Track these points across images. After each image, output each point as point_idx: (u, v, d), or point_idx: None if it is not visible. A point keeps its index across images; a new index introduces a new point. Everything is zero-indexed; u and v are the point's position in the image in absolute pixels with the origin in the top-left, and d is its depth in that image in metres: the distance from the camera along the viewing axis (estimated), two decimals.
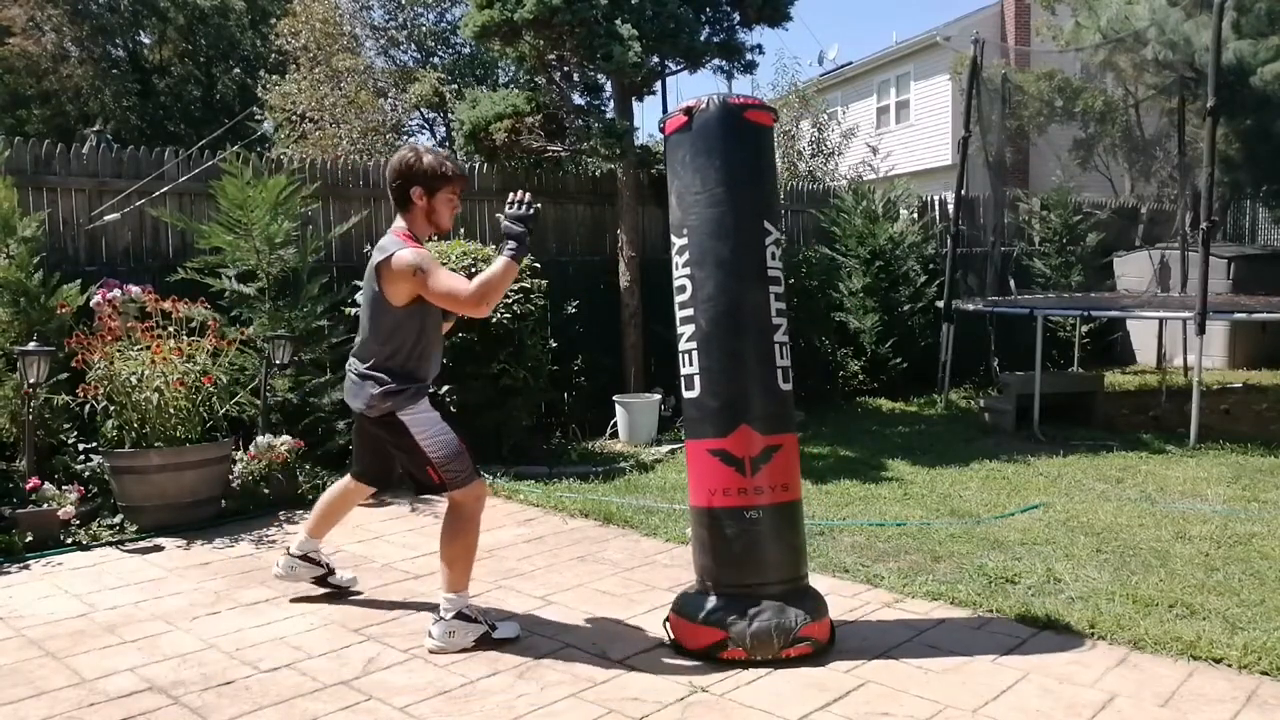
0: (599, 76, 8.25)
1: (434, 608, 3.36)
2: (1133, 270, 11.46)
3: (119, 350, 4.89)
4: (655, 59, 7.45)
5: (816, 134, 15.74)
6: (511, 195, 3.29)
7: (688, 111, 3.28)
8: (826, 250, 9.24)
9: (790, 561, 3.25)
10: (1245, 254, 11.37)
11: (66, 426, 5.26)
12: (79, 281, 5.44)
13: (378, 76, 17.23)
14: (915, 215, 10.17)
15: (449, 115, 16.59)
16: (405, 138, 17.64)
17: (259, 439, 5.36)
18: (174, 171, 6.21)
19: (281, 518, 5.10)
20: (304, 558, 3.80)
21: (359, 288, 3.44)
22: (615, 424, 7.26)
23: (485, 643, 3.29)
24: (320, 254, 6.46)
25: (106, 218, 5.87)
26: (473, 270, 5.59)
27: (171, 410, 4.91)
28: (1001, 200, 10.20)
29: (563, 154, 7.75)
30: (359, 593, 3.90)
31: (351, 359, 3.41)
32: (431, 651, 3.26)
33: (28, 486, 4.67)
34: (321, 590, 3.85)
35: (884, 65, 20.60)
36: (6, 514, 4.54)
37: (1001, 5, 19.78)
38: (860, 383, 9.23)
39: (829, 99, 19.29)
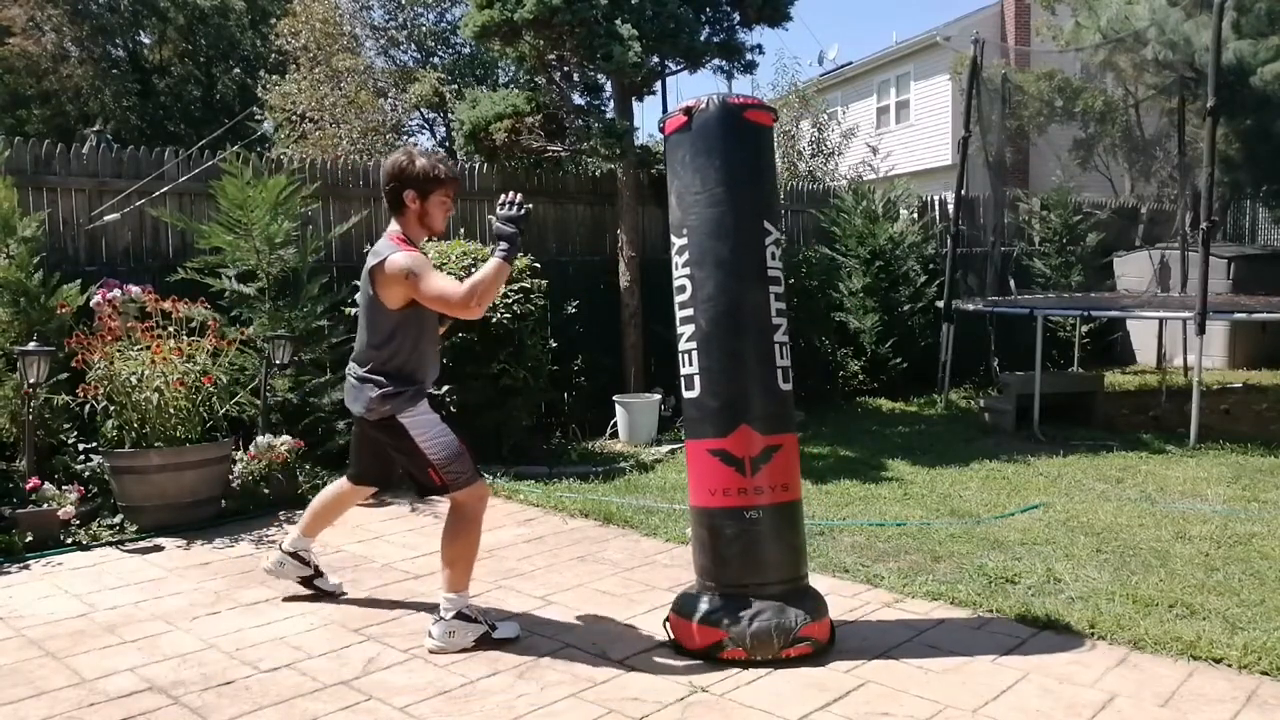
0: (599, 76, 8.25)
1: (434, 608, 3.36)
2: (1133, 270, 11.46)
3: (119, 350, 4.89)
4: (655, 59, 7.45)
5: (816, 134, 15.74)
6: (502, 196, 3.27)
7: (687, 111, 3.28)
8: (826, 250, 9.24)
9: (790, 561, 3.25)
10: (1245, 254, 11.37)
11: (66, 426, 5.26)
12: (79, 281, 5.45)
13: (378, 76, 17.24)
14: (915, 215, 10.17)
15: (449, 115, 16.60)
16: (405, 138, 17.66)
17: (259, 439, 5.36)
18: (174, 171, 6.21)
19: (281, 518, 5.10)
20: (294, 555, 3.80)
21: (359, 288, 3.44)
22: (615, 424, 7.26)
23: (485, 643, 3.29)
24: (320, 254, 6.46)
25: (106, 218, 5.87)
26: (472, 270, 5.58)
27: (171, 410, 4.91)
28: (1001, 200, 10.20)
29: (563, 154, 7.75)
30: (345, 593, 3.89)
31: (351, 363, 3.41)
32: (431, 651, 3.26)
33: (28, 486, 4.67)
34: (310, 591, 3.85)
35: (884, 65, 20.60)
36: (6, 514, 4.54)
37: (1001, 5, 19.78)
38: (860, 383, 9.23)
39: (829, 99, 19.28)
